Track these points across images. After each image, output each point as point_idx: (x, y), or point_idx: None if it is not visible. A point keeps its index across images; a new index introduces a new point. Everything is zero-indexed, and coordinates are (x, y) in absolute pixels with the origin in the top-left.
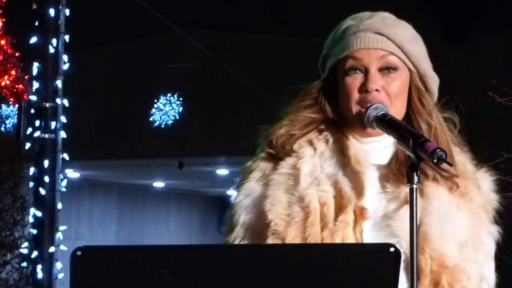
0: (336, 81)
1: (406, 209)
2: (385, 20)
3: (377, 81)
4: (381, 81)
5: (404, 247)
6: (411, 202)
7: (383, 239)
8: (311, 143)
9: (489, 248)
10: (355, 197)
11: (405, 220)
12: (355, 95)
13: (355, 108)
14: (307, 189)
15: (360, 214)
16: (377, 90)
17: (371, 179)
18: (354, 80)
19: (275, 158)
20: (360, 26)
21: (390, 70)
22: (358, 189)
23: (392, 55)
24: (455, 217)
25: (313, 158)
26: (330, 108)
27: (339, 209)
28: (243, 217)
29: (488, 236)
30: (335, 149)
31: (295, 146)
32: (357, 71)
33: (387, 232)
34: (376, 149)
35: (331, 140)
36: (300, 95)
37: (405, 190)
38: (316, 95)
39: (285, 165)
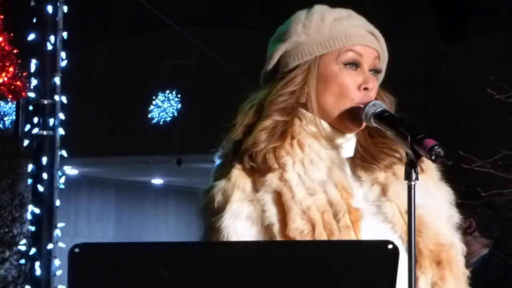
0: (319, 70)
1: (390, 193)
2: (366, 21)
3: (373, 80)
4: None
5: (398, 232)
6: (409, 199)
7: (378, 225)
8: (287, 152)
9: (456, 217)
10: (344, 201)
11: (392, 205)
12: (354, 93)
13: (350, 104)
14: (305, 200)
15: (356, 215)
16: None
17: (346, 174)
18: (352, 77)
19: (255, 172)
20: (355, 21)
21: (375, 73)
22: (346, 190)
23: (378, 59)
24: (434, 194)
25: (295, 167)
26: (315, 101)
27: (335, 215)
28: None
29: (453, 205)
30: (312, 154)
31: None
32: (353, 66)
33: (380, 219)
34: (343, 143)
35: (305, 145)
36: (277, 88)
37: (379, 174)
38: (297, 87)
39: (270, 180)
